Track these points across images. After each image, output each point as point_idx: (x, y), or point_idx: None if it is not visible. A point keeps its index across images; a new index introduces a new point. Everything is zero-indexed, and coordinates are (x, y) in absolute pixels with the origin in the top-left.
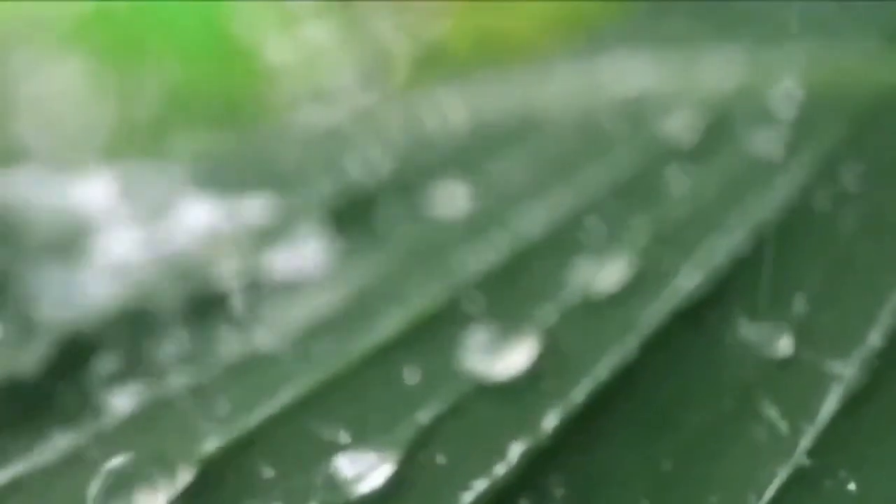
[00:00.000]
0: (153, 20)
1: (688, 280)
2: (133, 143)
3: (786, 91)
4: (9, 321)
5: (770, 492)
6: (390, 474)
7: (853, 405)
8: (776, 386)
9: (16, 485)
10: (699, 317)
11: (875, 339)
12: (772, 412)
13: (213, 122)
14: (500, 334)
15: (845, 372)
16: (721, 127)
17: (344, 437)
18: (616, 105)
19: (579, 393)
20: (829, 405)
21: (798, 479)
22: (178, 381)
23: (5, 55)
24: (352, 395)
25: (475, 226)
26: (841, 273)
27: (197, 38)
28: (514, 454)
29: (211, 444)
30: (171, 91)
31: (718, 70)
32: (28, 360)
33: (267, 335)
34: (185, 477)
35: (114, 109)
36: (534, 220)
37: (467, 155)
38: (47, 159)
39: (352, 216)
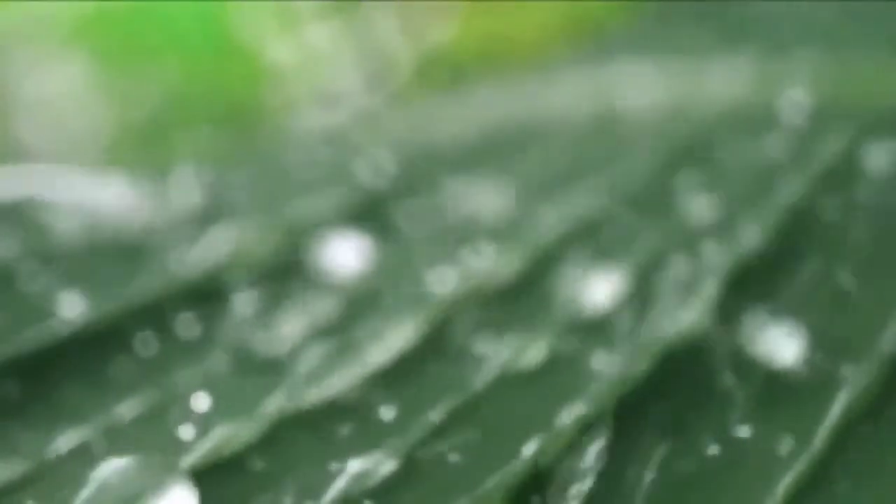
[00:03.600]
0: (153, 20)
1: (700, 287)
2: (133, 143)
3: (793, 100)
4: (21, 317)
5: (783, 495)
6: (402, 472)
7: (865, 409)
8: (789, 390)
9: (23, 479)
10: (711, 322)
11: (887, 344)
12: (785, 416)
13: (213, 123)
14: (513, 337)
15: (857, 376)
16: (729, 136)
17: (355, 434)
18: (623, 112)
19: (595, 395)
20: (842, 409)
21: (811, 482)
22: (189, 376)
23: (5, 55)
24: (364, 393)
25: (482, 229)
26: (851, 279)
27: (197, 39)
28: (528, 452)
29: (220, 441)
30: (172, 91)
31: (726, 78)
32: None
33: (279, 334)
34: (193, 473)
35: (114, 110)
36: (541, 227)
37: (472, 159)
38: (48, 159)
39: (358, 219)
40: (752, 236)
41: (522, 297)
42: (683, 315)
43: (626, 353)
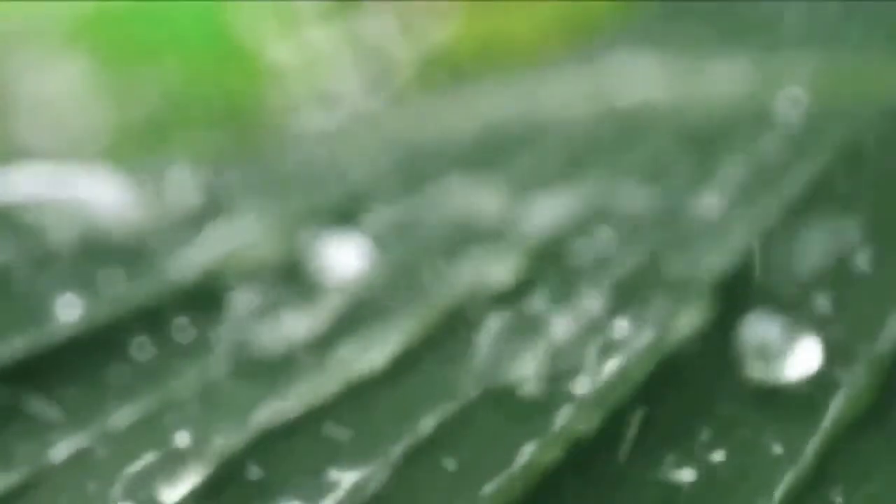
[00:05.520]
0: (153, 20)
1: (698, 287)
2: (133, 143)
3: (791, 97)
4: (16, 321)
5: (780, 500)
6: (398, 479)
7: (861, 412)
8: (784, 392)
9: (20, 487)
10: (706, 323)
11: (883, 345)
12: (781, 419)
13: (213, 123)
14: (510, 339)
15: (853, 379)
16: (726, 133)
17: (351, 440)
18: (622, 110)
19: (593, 399)
20: (838, 412)
21: (806, 486)
22: (185, 382)
23: (5, 55)
24: (361, 398)
25: (482, 230)
26: (848, 279)
27: (197, 39)
28: (524, 458)
29: (216, 448)
30: (171, 92)
31: (724, 76)
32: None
33: (276, 337)
34: (190, 479)
35: (114, 110)
36: (539, 226)
37: (472, 159)
38: (48, 159)
39: (357, 220)
40: (749, 237)
41: (520, 297)
42: (681, 317)
43: (624, 354)
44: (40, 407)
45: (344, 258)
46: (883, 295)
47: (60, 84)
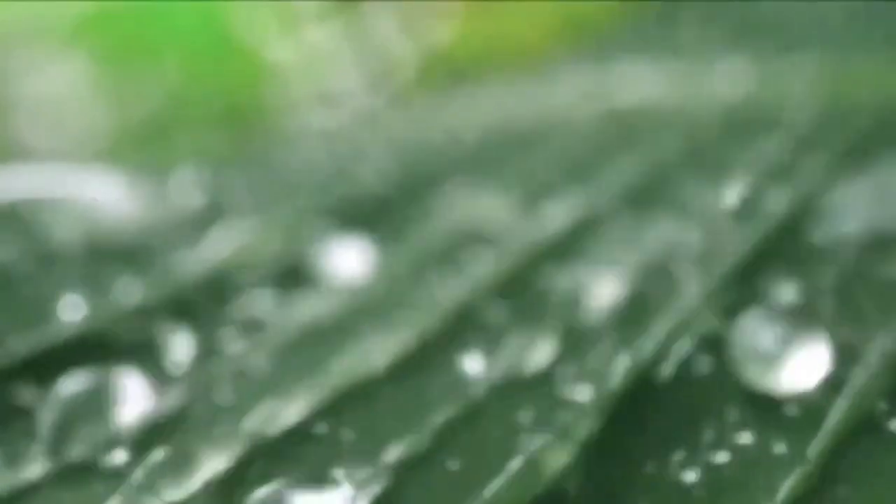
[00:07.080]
0: (153, 20)
1: (699, 288)
2: (133, 143)
3: (795, 100)
4: (21, 320)
5: (784, 499)
6: (403, 479)
7: (865, 412)
8: (787, 393)
9: (28, 487)
10: (709, 323)
11: (887, 346)
12: (783, 419)
13: (213, 123)
14: (514, 340)
15: (856, 379)
16: (731, 136)
17: (355, 440)
18: (624, 112)
19: (596, 399)
20: (842, 412)
21: (810, 487)
22: (190, 382)
23: (5, 55)
24: (365, 401)
25: (484, 231)
26: (851, 279)
27: (197, 39)
28: (528, 458)
29: (221, 450)
30: (172, 91)
31: (728, 79)
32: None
33: (278, 338)
34: (198, 477)
35: (114, 110)
36: (542, 228)
37: (474, 160)
38: (48, 159)
39: (359, 222)
40: (752, 237)
41: (523, 299)
42: (683, 318)
43: (627, 356)
44: (45, 405)
45: (347, 259)
46: (888, 296)
47: (60, 84)
